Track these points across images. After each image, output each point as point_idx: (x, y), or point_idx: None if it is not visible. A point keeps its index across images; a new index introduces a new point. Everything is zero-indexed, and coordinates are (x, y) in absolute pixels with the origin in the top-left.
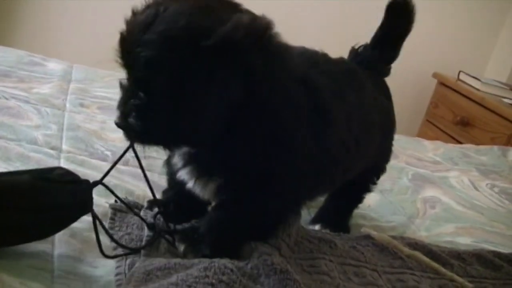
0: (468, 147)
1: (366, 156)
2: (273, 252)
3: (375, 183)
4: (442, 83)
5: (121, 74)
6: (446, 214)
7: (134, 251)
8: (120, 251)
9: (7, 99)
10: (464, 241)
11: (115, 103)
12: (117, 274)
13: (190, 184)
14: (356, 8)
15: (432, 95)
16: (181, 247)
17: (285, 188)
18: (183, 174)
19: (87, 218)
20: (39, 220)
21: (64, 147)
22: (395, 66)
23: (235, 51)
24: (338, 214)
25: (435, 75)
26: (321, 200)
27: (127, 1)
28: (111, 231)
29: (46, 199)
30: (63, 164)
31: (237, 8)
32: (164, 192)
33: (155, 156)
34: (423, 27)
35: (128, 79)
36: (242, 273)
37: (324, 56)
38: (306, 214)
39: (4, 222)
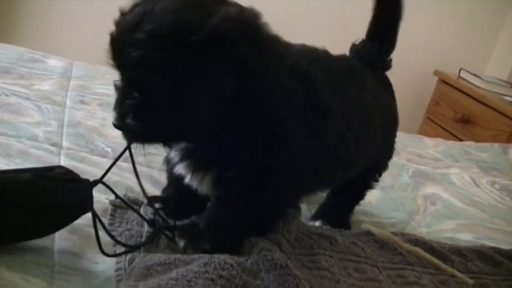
0: (469, 144)
1: (368, 154)
2: (273, 247)
3: (377, 180)
4: (443, 81)
5: None
6: (447, 210)
7: (134, 248)
8: (120, 248)
9: (7, 95)
10: (465, 238)
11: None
12: (117, 270)
13: (187, 179)
14: (356, 6)
15: (433, 93)
16: (181, 243)
17: (282, 184)
18: (180, 169)
19: (87, 215)
20: (39, 218)
21: (65, 143)
22: (396, 63)
23: (225, 44)
24: (339, 210)
25: (436, 73)
26: (322, 196)
27: None
28: (111, 227)
29: (47, 197)
30: (64, 160)
31: (225, 1)
32: (164, 190)
33: (155, 153)
34: (424, 25)
35: (122, 80)
36: (242, 269)
37: (325, 53)
38: (307, 210)
39: (4, 220)
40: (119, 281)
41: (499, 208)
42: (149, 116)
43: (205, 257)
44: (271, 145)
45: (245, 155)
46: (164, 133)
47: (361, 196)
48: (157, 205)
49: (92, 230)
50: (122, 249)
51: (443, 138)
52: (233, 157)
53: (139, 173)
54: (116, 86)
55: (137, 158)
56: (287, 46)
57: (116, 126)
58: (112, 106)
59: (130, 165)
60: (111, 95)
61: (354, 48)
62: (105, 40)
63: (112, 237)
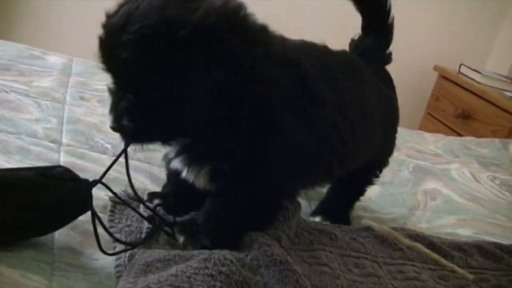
0: (469, 140)
1: (367, 148)
2: (273, 243)
3: (377, 176)
4: (443, 76)
5: None
6: (447, 206)
7: (133, 246)
8: (119, 245)
9: (7, 92)
10: (465, 233)
11: None
12: (117, 266)
13: (183, 173)
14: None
15: (433, 88)
16: (181, 239)
17: (276, 174)
18: (175, 163)
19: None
20: (39, 216)
21: (64, 140)
22: (396, 59)
23: (211, 37)
24: (340, 206)
25: (436, 68)
26: (322, 192)
27: None
28: (110, 223)
29: (47, 195)
30: (63, 157)
31: None
32: (164, 186)
33: (155, 149)
34: (424, 20)
35: (114, 82)
36: (242, 264)
37: (324, 47)
38: (307, 206)
39: (4, 218)
40: (119, 278)
41: (499, 203)
42: (144, 116)
43: (205, 253)
44: (262, 135)
45: (238, 146)
46: (160, 132)
47: (361, 192)
48: (156, 201)
49: (92, 227)
50: (122, 246)
51: (443, 134)
52: (226, 149)
53: (140, 167)
54: (109, 90)
55: (137, 155)
56: (274, 34)
57: (113, 128)
58: (108, 109)
59: (130, 161)
60: None
61: (353, 43)
62: None
63: (111, 235)
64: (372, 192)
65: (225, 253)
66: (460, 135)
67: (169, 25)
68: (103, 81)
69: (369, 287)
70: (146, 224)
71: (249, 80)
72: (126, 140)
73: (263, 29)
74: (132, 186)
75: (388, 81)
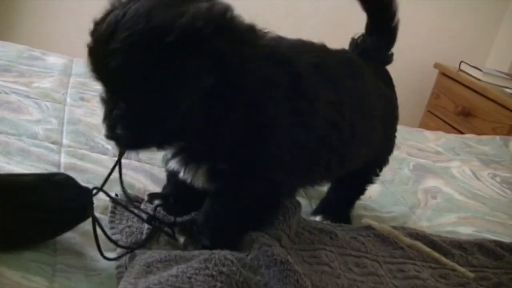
0: (470, 137)
1: (367, 147)
2: (273, 243)
3: (377, 175)
4: (444, 74)
5: None
6: (448, 204)
7: (134, 249)
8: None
9: (7, 93)
10: (466, 231)
11: None
12: (118, 267)
13: (181, 174)
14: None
15: (434, 86)
16: (181, 239)
17: (272, 171)
18: (173, 164)
19: None
20: (40, 220)
21: (65, 141)
22: (396, 57)
23: (199, 41)
24: (340, 205)
25: (436, 66)
26: (323, 191)
27: None
28: (111, 224)
29: (48, 200)
30: (64, 158)
31: None
32: (164, 187)
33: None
34: (425, 18)
35: (105, 91)
36: (242, 264)
37: (322, 46)
38: (308, 205)
39: (7, 221)
40: (120, 278)
41: (500, 201)
42: (137, 123)
43: (205, 253)
44: (256, 133)
45: (233, 146)
46: (154, 137)
47: (361, 190)
48: (157, 202)
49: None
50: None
51: (444, 131)
52: (221, 149)
53: (140, 168)
54: (102, 99)
55: (138, 156)
56: (266, 34)
57: (108, 137)
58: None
59: (130, 162)
60: None
61: (353, 42)
62: None
63: (112, 241)
64: (373, 190)
65: (226, 253)
66: (460, 132)
67: (156, 31)
68: None
69: (369, 286)
70: (146, 225)
71: (239, 80)
72: (121, 148)
73: (251, 29)
74: (125, 192)
75: (387, 80)
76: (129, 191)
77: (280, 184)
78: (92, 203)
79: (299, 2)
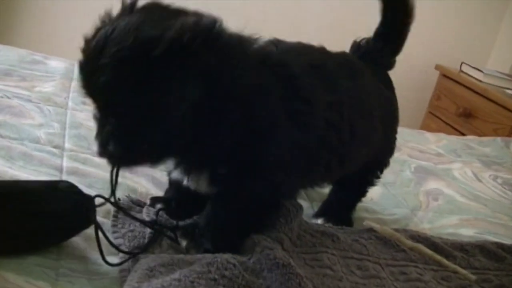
0: (471, 139)
1: (367, 147)
2: (275, 246)
3: (378, 177)
4: (445, 75)
5: None
6: (449, 206)
7: (136, 254)
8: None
9: (9, 98)
10: (467, 233)
11: None
12: (121, 271)
13: (184, 182)
14: (358, 5)
15: (435, 87)
16: (183, 243)
17: (271, 172)
18: (176, 174)
19: None
20: (44, 225)
21: (67, 145)
22: (397, 58)
23: (187, 53)
24: (341, 207)
25: (437, 67)
26: (324, 194)
27: None
28: (114, 228)
29: (52, 205)
30: (66, 162)
31: (183, 12)
32: (166, 191)
33: None
34: (425, 19)
35: (96, 107)
36: (245, 268)
37: (321, 49)
38: (309, 208)
39: (10, 226)
40: (123, 282)
41: (502, 203)
42: (128, 139)
43: (208, 257)
44: (253, 135)
45: (231, 150)
46: (147, 154)
47: (363, 193)
48: (159, 206)
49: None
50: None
51: (445, 132)
52: (220, 155)
53: (142, 174)
54: (95, 116)
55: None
56: (254, 41)
57: (100, 154)
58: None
59: None
60: None
61: (355, 45)
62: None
63: (115, 247)
64: (374, 193)
65: (228, 257)
66: (462, 133)
67: (144, 45)
68: None
69: None
70: (149, 229)
71: (230, 92)
72: (114, 165)
73: (240, 41)
74: (117, 205)
75: (387, 82)
76: (131, 195)
77: (280, 184)
78: (94, 210)
79: (300, 5)
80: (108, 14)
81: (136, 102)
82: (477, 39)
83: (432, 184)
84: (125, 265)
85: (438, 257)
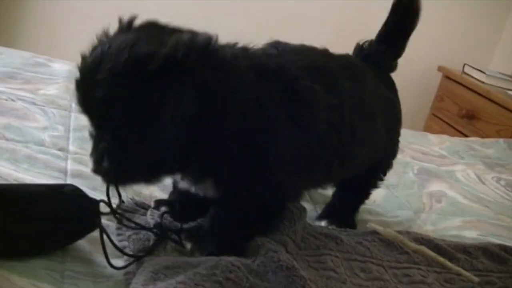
0: (474, 140)
1: (369, 148)
2: (279, 249)
3: (381, 179)
4: (447, 77)
5: None
6: (452, 208)
7: (141, 257)
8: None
9: (13, 101)
10: (470, 235)
11: None
12: (126, 274)
13: (192, 189)
14: (360, 6)
15: (437, 89)
16: (188, 246)
17: (274, 174)
18: (183, 184)
19: None
20: (49, 228)
21: (71, 148)
22: (400, 60)
23: (181, 69)
24: (345, 210)
25: (440, 69)
26: (327, 196)
27: (132, 1)
28: (118, 231)
29: (57, 209)
30: (71, 165)
31: (178, 29)
32: (170, 194)
33: None
34: (428, 20)
35: (92, 124)
36: (249, 271)
37: (324, 51)
38: (313, 210)
39: (16, 230)
40: (128, 285)
41: (505, 205)
42: (123, 156)
43: (213, 260)
44: (252, 144)
45: (232, 160)
46: (141, 170)
47: (366, 195)
48: (163, 209)
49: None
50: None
51: (448, 134)
52: (224, 165)
53: None
54: (90, 133)
55: None
56: (249, 55)
57: (95, 171)
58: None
59: None
60: None
61: (358, 47)
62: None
63: (120, 250)
64: (378, 195)
65: (233, 259)
66: (464, 135)
67: (139, 60)
68: None
69: None
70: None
71: (227, 107)
72: (109, 183)
73: (234, 55)
74: (115, 212)
75: (390, 85)
76: (135, 197)
77: (282, 186)
78: (99, 214)
79: (305, 7)
80: (105, 33)
81: (131, 118)
82: (479, 41)
83: (435, 186)
84: (130, 268)
85: (441, 259)
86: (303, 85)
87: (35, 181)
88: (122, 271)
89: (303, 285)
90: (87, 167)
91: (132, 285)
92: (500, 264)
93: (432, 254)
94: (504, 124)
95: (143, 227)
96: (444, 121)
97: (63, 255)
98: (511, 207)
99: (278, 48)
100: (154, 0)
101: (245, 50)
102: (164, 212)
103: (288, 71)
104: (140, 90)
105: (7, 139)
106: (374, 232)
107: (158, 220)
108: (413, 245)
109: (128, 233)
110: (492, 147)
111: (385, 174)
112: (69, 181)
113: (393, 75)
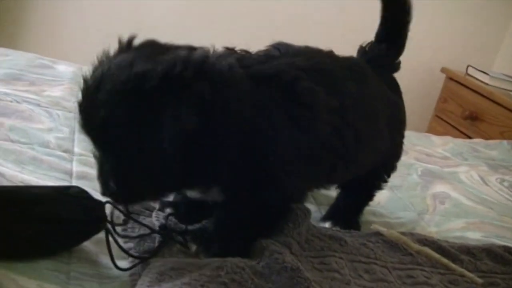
0: (477, 142)
1: (372, 149)
2: (284, 250)
3: (385, 181)
4: (451, 78)
5: None
6: (456, 209)
7: (146, 259)
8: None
9: (18, 102)
10: (474, 236)
11: None
12: (131, 275)
13: (199, 196)
14: (362, 7)
15: (441, 90)
16: (193, 247)
17: (277, 176)
18: (189, 193)
19: None
20: (56, 230)
21: (76, 149)
22: (403, 62)
23: (179, 85)
24: (349, 211)
25: (443, 70)
26: (332, 197)
27: (135, 3)
28: (124, 232)
29: (63, 210)
30: (76, 167)
31: (175, 46)
32: (175, 196)
33: None
34: (431, 22)
35: (95, 146)
36: (254, 272)
37: (329, 53)
38: (317, 211)
39: (23, 231)
40: (133, 286)
41: (508, 206)
42: (127, 176)
43: (218, 261)
44: (255, 149)
45: (237, 166)
46: (148, 189)
47: (370, 196)
48: (168, 210)
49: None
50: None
51: (451, 135)
52: (229, 173)
53: None
54: (94, 155)
55: None
56: (246, 63)
57: (103, 194)
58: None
59: None
60: None
61: (361, 50)
62: (114, 43)
63: (125, 252)
64: (381, 196)
65: (237, 261)
66: (468, 136)
67: (138, 78)
68: None
69: None
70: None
71: (227, 118)
72: (118, 203)
73: (231, 66)
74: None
75: (394, 87)
76: None
77: (285, 186)
78: (105, 215)
79: (310, 9)
80: (105, 53)
81: (132, 136)
82: (483, 42)
83: (439, 188)
84: (135, 269)
85: (445, 260)
86: (302, 86)
87: (40, 183)
88: (127, 272)
89: (308, 287)
90: (92, 168)
91: (138, 286)
92: (504, 265)
93: (436, 255)
94: (508, 126)
95: (149, 229)
96: (447, 122)
97: (69, 257)
98: None
99: (280, 50)
100: (155, 0)
101: (240, 59)
102: (169, 214)
103: (287, 73)
104: (139, 107)
105: (12, 141)
106: (378, 234)
107: (163, 221)
108: (417, 247)
109: (133, 234)
110: (496, 148)
111: (389, 176)
112: (74, 182)
113: (397, 76)
